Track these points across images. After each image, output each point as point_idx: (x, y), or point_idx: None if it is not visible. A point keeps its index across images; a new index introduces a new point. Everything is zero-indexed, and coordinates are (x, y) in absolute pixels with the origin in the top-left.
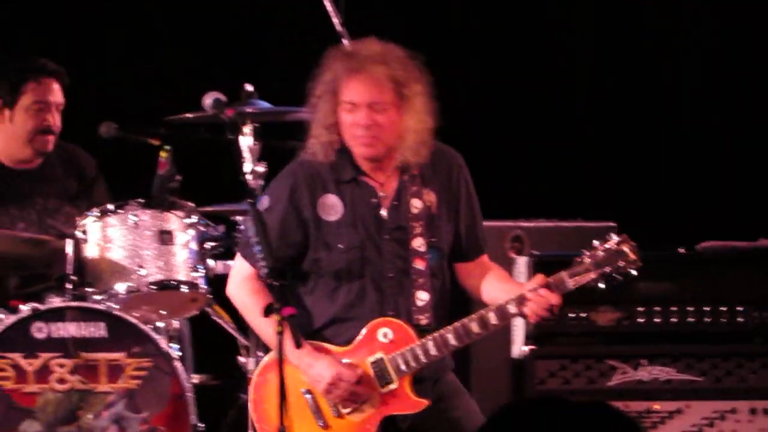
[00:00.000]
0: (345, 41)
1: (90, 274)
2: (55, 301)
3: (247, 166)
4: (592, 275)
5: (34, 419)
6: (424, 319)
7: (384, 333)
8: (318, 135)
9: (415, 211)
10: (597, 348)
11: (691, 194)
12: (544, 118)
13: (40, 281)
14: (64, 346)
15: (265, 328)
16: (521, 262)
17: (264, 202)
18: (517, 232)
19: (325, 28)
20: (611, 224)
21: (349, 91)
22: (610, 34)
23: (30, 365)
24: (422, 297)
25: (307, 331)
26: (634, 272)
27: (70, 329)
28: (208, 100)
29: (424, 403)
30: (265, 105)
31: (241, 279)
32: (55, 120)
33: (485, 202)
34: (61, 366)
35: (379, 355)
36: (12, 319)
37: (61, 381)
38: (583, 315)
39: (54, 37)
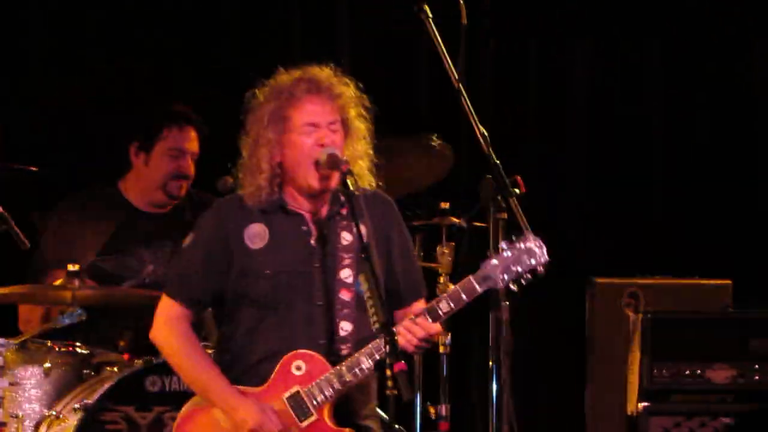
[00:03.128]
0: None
1: (205, 328)
2: None
3: None
4: (503, 276)
5: None
6: (345, 349)
7: (297, 366)
8: (263, 169)
9: (344, 243)
10: (711, 405)
11: None
12: (663, 176)
13: None
14: (178, 400)
15: (194, 374)
16: (637, 319)
17: (188, 238)
18: (633, 289)
19: None
20: (727, 282)
21: (309, 113)
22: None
23: (143, 419)
24: (345, 327)
25: (227, 373)
26: (542, 269)
27: (183, 383)
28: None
29: (345, 431)
30: None
31: (167, 319)
32: (189, 167)
33: (602, 259)
34: (174, 419)
35: (294, 389)
36: (126, 372)
37: None
38: (698, 372)
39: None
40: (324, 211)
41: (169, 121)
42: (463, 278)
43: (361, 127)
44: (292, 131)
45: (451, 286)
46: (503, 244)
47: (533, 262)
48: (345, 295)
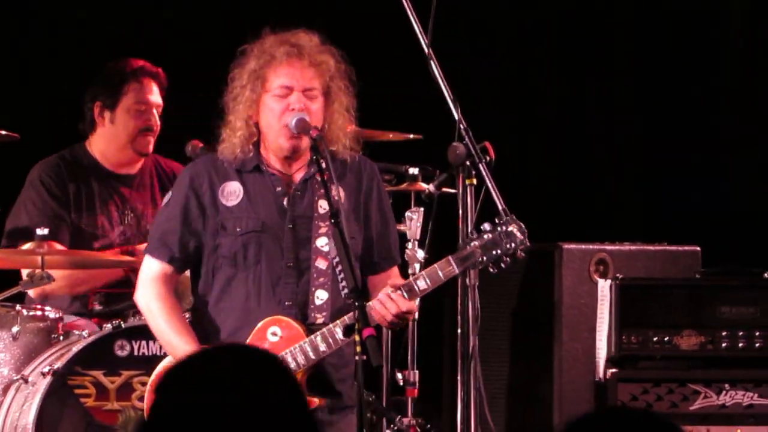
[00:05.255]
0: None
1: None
2: (138, 319)
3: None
4: (480, 258)
5: None
6: (320, 318)
7: (273, 332)
8: (239, 128)
9: (321, 211)
10: (680, 372)
11: None
12: (631, 143)
13: (124, 299)
14: (146, 364)
15: (169, 337)
16: (605, 285)
17: (166, 197)
18: (602, 255)
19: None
20: (695, 248)
21: (284, 76)
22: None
23: (112, 383)
24: (321, 296)
25: (197, 331)
26: (522, 254)
27: (152, 347)
28: None
29: (315, 401)
30: None
31: (148, 281)
32: (155, 121)
33: (570, 225)
34: (143, 384)
35: None
36: (95, 336)
37: (143, 399)
38: (667, 339)
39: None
40: (300, 173)
41: (130, 76)
42: (432, 246)
43: (342, 99)
44: (267, 92)
45: (420, 253)
46: (485, 226)
47: (513, 246)
48: (321, 264)
